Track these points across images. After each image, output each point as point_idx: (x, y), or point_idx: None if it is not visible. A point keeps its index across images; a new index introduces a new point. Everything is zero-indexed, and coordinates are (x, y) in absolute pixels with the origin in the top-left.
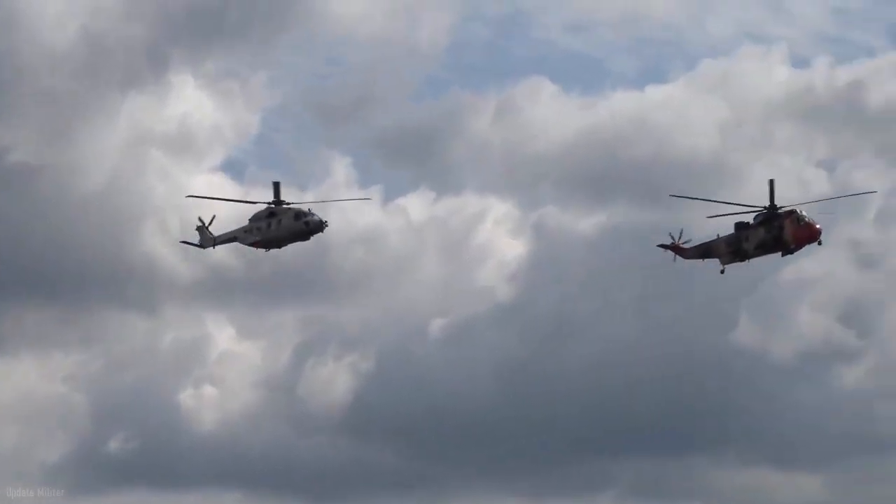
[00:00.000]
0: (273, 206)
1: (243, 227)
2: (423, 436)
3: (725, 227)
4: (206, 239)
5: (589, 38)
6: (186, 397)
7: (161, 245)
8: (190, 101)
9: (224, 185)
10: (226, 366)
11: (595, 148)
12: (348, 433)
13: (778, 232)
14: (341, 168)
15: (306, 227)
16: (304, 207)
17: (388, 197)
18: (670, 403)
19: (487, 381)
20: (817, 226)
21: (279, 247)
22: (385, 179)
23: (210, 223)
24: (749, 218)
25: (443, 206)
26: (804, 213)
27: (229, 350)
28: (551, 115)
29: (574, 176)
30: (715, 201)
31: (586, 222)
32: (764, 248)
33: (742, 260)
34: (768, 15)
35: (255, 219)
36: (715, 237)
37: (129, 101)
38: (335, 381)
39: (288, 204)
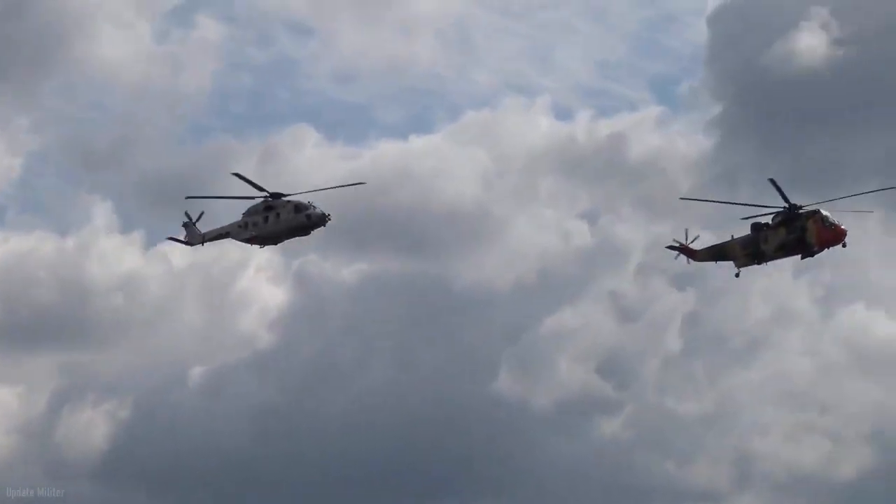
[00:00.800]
0: (269, 198)
1: (237, 223)
2: (182, 483)
3: None
4: (194, 235)
5: (354, 87)
6: None
7: None
8: None
9: None
10: None
11: (357, 197)
12: (106, 480)
13: (801, 233)
14: (102, 213)
15: (308, 220)
16: (305, 200)
17: (150, 242)
18: (429, 452)
19: (247, 429)
20: (842, 227)
21: (275, 243)
22: (146, 225)
23: (198, 219)
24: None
25: (204, 252)
26: (828, 213)
27: None
28: (314, 163)
29: (336, 224)
30: (725, 202)
31: (348, 270)
32: (784, 250)
33: (759, 262)
34: (532, 66)
35: (251, 213)
36: (729, 238)
37: None
38: (93, 427)
39: (286, 196)
